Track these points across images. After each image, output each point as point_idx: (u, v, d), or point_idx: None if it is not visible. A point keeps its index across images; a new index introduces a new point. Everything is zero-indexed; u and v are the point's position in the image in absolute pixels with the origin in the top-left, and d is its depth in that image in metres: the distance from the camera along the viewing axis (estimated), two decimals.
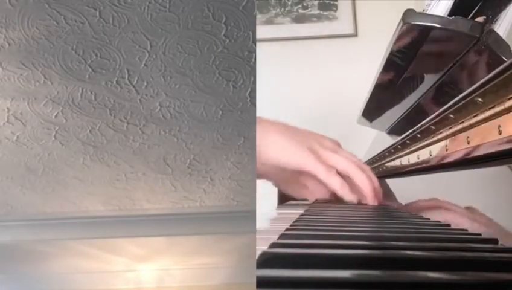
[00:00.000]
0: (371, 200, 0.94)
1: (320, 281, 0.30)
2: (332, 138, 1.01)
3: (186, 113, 1.67)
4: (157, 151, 1.88)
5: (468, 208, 0.69)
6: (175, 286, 2.62)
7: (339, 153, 0.95)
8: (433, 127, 0.69)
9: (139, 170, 2.00)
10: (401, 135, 0.89)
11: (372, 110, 1.18)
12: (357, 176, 0.93)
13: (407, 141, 0.86)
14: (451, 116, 0.59)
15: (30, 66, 1.45)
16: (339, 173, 0.94)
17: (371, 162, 1.39)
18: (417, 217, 0.84)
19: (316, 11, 2.55)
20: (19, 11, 1.27)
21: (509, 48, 0.50)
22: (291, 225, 0.63)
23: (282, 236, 0.51)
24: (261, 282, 0.30)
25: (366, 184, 0.93)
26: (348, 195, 0.94)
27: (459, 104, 0.55)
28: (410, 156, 0.88)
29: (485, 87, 0.47)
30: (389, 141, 1.08)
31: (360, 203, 0.95)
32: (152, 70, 1.48)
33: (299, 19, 2.55)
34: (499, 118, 0.47)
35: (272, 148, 0.89)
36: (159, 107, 1.64)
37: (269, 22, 2.55)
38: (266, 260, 0.36)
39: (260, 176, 0.97)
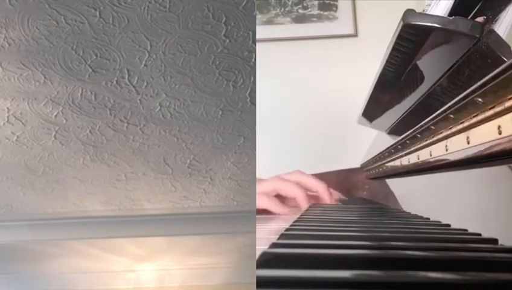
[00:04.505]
0: (301, 203, 1.08)
1: (320, 281, 0.30)
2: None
3: (186, 113, 1.67)
4: (157, 151, 1.88)
5: None
6: (175, 286, 2.62)
7: (268, 181, 1.12)
8: (433, 127, 0.69)
9: (139, 170, 2.00)
10: (401, 135, 0.89)
11: (372, 110, 1.18)
12: (283, 187, 1.10)
13: (407, 141, 0.86)
14: (451, 116, 0.59)
15: (30, 66, 1.45)
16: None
17: (371, 162, 1.39)
18: (417, 217, 0.84)
19: (316, 11, 2.54)
20: (19, 11, 1.27)
21: (509, 48, 0.50)
22: (291, 225, 0.63)
23: (282, 236, 0.51)
24: (261, 282, 0.30)
25: (293, 191, 1.09)
26: (275, 208, 1.07)
27: (459, 104, 0.55)
28: (410, 156, 0.88)
29: (485, 87, 0.47)
30: (389, 141, 1.08)
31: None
32: (152, 70, 1.48)
33: (299, 19, 2.55)
34: (499, 118, 0.47)
35: None
36: (159, 107, 1.64)
37: (269, 22, 2.55)
38: (266, 260, 0.36)
39: None
